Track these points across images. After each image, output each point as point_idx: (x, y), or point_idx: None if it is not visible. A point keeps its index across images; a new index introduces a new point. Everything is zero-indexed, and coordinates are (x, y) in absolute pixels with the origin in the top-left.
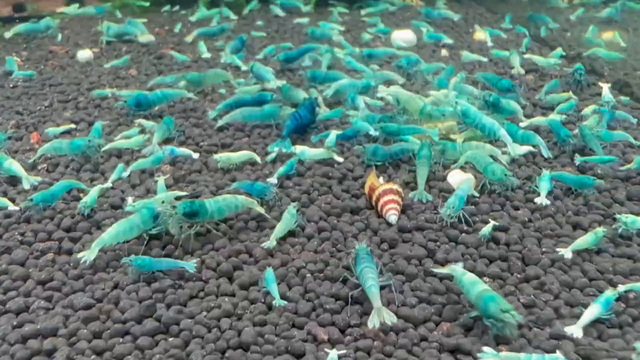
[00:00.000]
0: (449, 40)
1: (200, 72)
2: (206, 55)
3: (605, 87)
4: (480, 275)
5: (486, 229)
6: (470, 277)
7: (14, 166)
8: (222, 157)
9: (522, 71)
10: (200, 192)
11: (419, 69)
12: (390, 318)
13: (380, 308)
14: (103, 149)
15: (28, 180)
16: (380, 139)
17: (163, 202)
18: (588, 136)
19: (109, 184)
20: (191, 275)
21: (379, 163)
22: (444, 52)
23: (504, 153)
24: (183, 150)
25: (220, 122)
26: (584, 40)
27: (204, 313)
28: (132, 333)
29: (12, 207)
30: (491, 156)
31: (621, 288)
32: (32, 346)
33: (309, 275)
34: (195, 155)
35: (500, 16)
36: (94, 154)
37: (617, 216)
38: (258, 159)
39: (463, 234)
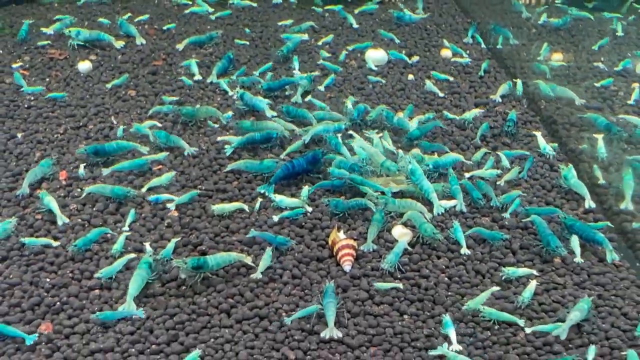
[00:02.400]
0: (415, 59)
1: (194, 107)
2: (197, 77)
3: (539, 136)
4: (402, 313)
5: (388, 285)
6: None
7: (52, 204)
8: (218, 207)
9: (499, 100)
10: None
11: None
12: (337, 333)
13: (332, 328)
14: (145, 188)
15: (61, 219)
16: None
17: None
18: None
19: (126, 228)
20: (202, 311)
21: (340, 214)
22: (411, 76)
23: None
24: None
25: (227, 169)
26: (533, 66)
27: (212, 340)
28: (164, 352)
29: (54, 243)
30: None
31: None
32: (99, 358)
33: (284, 313)
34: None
35: (469, 22)
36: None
37: (503, 269)
38: (247, 208)
39: (396, 281)
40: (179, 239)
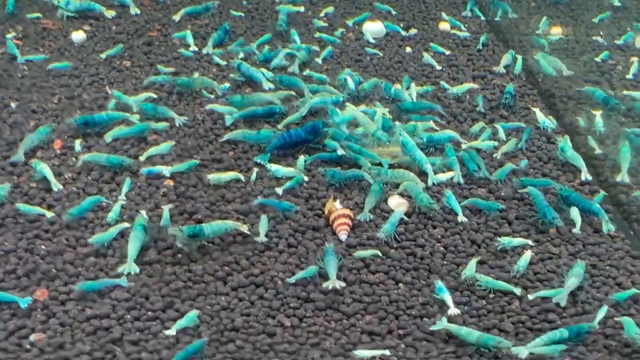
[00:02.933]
0: (412, 32)
1: (190, 78)
2: (193, 48)
3: (538, 112)
4: (398, 282)
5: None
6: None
7: (46, 170)
8: (214, 177)
9: (503, 70)
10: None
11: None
12: (340, 283)
13: (334, 280)
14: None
15: (56, 185)
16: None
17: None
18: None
19: (122, 197)
20: (198, 279)
21: (336, 184)
22: (409, 49)
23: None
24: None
25: (224, 138)
26: (532, 39)
27: (208, 307)
28: (160, 318)
29: (48, 214)
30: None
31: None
32: (95, 324)
33: (280, 281)
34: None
35: None
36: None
37: (498, 239)
38: (243, 177)
39: (392, 250)
40: (174, 206)
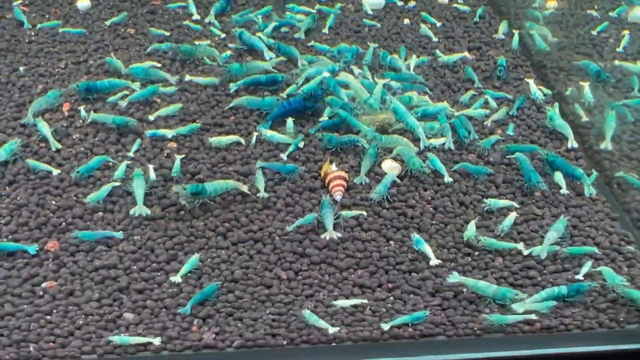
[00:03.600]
0: (411, 4)
1: (192, 45)
2: (196, 17)
3: (531, 83)
4: (389, 239)
5: (354, 212)
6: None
7: (44, 129)
8: (215, 140)
9: (502, 37)
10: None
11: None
12: (336, 234)
13: (331, 231)
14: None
15: (54, 145)
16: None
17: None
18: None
19: (131, 155)
20: (200, 234)
21: (332, 148)
22: (407, 21)
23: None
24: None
25: (230, 105)
26: (527, 12)
27: (209, 260)
28: (164, 269)
29: (55, 171)
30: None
31: None
32: (103, 274)
33: (277, 237)
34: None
35: None
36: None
37: (485, 200)
38: (243, 141)
39: (384, 210)
40: (183, 156)
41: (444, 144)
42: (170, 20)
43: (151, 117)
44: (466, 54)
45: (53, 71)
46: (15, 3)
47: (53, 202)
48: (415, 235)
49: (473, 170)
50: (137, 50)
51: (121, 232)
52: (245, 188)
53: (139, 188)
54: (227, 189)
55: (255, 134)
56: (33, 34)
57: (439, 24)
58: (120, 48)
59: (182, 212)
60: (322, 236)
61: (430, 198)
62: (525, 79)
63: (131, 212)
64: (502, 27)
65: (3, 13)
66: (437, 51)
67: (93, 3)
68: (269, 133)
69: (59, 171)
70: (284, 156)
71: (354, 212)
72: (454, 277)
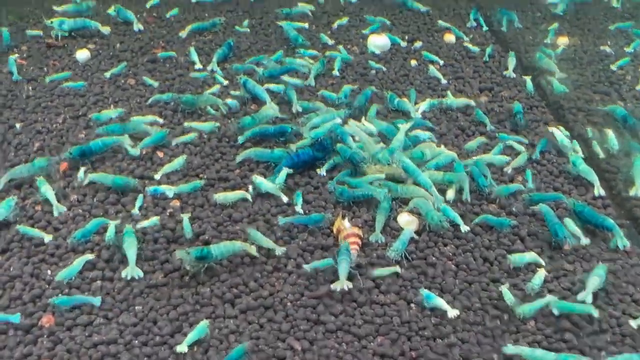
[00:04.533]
0: (417, 44)
1: (194, 95)
2: (198, 66)
3: (556, 131)
4: (409, 302)
5: (381, 270)
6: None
7: (49, 193)
8: (220, 196)
9: (513, 75)
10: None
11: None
12: (348, 285)
13: (344, 281)
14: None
15: (57, 209)
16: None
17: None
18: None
19: (136, 211)
20: (206, 302)
21: (344, 202)
22: (414, 62)
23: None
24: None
25: (238, 158)
26: (538, 51)
27: (216, 330)
28: (168, 343)
29: (47, 238)
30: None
31: None
32: (103, 350)
33: (289, 303)
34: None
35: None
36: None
37: (509, 256)
38: (249, 197)
39: (403, 270)
40: (189, 214)
41: (461, 194)
42: (172, 69)
43: (156, 176)
44: (472, 101)
45: (51, 127)
46: (12, 57)
47: (49, 272)
48: (425, 290)
49: (495, 223)
50: (137, 101)
51: (99, 297)
52: (253, 250)
53: (130, 248)
54: (234, 252)
55: (251, 186)
56: (31, 88)
57: (447, 65)
58: (121, 100)
59: (186, 278)
60: (334, 286)
61: (451, 254)
62: (550, 128)
63: (123, 274)
64: (511, 62)
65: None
66: (449, 92)
67: (92, 53)
68: (257, 179)
69: (50, 237)
70: (299, 209)
71: (388, 270)
72: (509, 349)
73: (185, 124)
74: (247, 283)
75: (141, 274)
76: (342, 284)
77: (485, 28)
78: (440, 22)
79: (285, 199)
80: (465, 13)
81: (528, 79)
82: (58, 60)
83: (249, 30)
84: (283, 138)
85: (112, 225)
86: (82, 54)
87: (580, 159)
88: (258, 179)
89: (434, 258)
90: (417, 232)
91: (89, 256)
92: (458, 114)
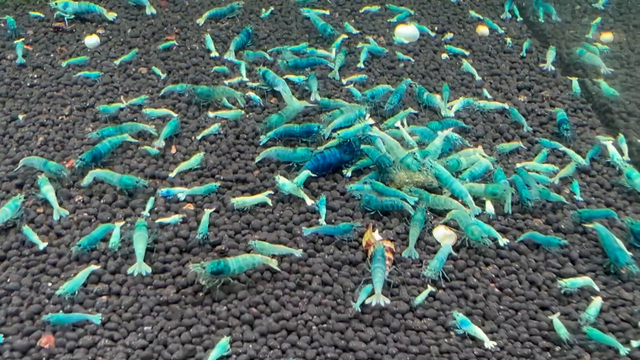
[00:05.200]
0: (448, 36)
1: (210, 87)
2: (214, 54)
3: (609, 145)
4: (448, 329)
5: (420, 297)
6: None
7: (50, 195)
8: (239, 200)
9: (552, 68)
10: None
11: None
12: (385, 300)
13: (379, 295)
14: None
15: (58, 212)
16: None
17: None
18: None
19: (146, 213)
20: (222, 322)
21: (372, 212)
22: (445, 55)
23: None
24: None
25: (258, 158)
26: (580, 47)
27: (234, 356)
28: None
29: (41, 245)
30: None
31: None
32: None
33: (314, 327)
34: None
35: None
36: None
37: (560, 281)
38: (270, 202)
39: (440, 291)
40: (213, 209)
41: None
42: (187, 57)
43: (171, 175)
44: (506, 105)
45: (56, 119)
46: (17, 42)
47: (49, 285)
48: (459, 314)
49: (543, 241)
50: (149, 92)
51: (99, 315)
52: (274, 263)
53: (139, 242)
54: (253, 265)
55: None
56: (35, 75)
57: (480, 59)
58: (131, 90)
59: (201, 294)
60: (369, 301)
61: (494, 275)
62: (603, 141)
63: (129, 270)
64: (550, 55)
65: (3, 53)
66: (484, 90)
67: (102, 39)
68: (281, 180)
69: (46, 244)
70: (322, 221)
71: (424, 294)
72: None
73: (210, 114)
74: (268, 302)
75: (149, 270)
76: (379, 298)
77: (520, 19)
78: (472, 12)
79: (309, 202)
80: (499, 3)
81: (575, 79)
82: (66, 46)
83: (268, 16)
84: (310, 138)
85: (117, 228)
86: (91, 40)
87: (635, 172)
88: (281, 179)
89: (474, 279)
90: (455, 248)
91: (94, 267)
92: (495, 114)
